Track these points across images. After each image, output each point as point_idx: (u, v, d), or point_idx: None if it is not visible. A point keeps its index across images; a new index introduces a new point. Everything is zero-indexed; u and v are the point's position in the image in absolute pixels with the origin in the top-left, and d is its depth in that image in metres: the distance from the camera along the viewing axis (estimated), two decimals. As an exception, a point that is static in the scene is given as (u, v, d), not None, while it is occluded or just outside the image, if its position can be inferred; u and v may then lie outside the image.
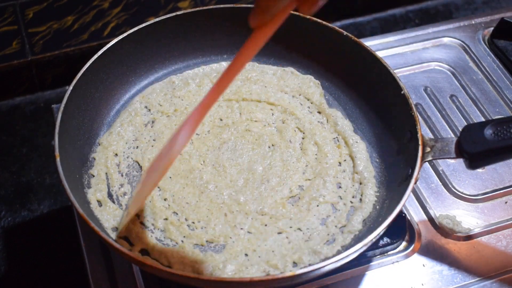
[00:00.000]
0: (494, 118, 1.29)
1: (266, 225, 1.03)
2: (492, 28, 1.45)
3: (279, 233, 1.02)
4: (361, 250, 0.91)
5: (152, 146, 1.12)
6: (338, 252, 0.98)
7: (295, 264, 0.98)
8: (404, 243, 1.11)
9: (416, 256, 1.10)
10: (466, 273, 1.08)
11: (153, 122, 1.16)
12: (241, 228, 1.02)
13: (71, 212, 1.14)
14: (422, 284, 1.06)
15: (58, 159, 0.96)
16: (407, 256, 1.10)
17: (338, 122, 1.16)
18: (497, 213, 1.16)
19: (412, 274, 1.08)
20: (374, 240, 0.91)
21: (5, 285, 1.24)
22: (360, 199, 1.07)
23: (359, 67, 1.17)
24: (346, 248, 0.99)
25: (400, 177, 1.04)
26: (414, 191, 1.18)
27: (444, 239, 1.12)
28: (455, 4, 1.82)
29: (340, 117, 1.17)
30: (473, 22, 1.49)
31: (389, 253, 1.09)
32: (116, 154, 1.11)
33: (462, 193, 1.18)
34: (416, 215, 1.15)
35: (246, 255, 0.99)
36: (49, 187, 1.37)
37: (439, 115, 1.31)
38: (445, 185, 1.19)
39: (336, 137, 1.15)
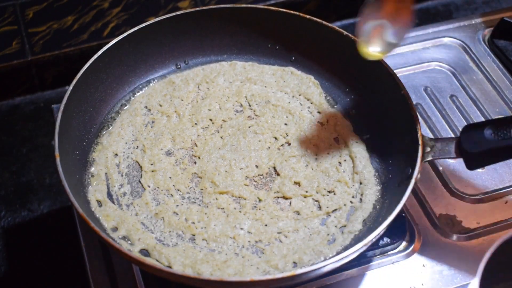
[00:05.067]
0: (494, 118, 1.29)
1: (266, 225, 1.03)
2: (492, 28, 1.45)
3: (279, 233, 1.02)
4: (361, 250, 0.91)
5: (152, 146, 1.12)
6: (338, 252, 0.98)
7: (295, 264, 0.98)
8: (404, 243, 1.11)
9: (416, 256, 1.10)
10: (466, 273, 1.08)
11: (153, 122, 1.16)
12: (241, 228, 1.02)
13: (71, 212, 1.14)
14: (422, 284, 1.06)
15: (58, 159, 0.96)
16: (407, 256, 1.09)
17: (338, 122, 1.16)
18: (497, 213, 1.16)
19: (412, 274, 1.08)
20: (374, 240, 0.92)
21: (5, 285, 1.24)
22: (360, 199, 1.06)
23: (359, 67, 1.17)
24: (346, 248, 0.99)
25: (400, 177, 1.04)
26: (414, 191, 1.18)
27: (444, 239, 1.12)
28: (455, 4, 1.82)
29: (340, 117, 1.17)
30: (473, 22, 1.49)
31: (389, 253, 1.09)
32: (116, 154, 1.11)
33: (462, 193, 1.18)
34: (416, 215, 1.15)
35: (246, 255, 0.99)
36: (49, 187, 1.37)
37: (439, 115, 1.31)
38: (445, 185, 1.19)
39: (336, 137, 1.15)
